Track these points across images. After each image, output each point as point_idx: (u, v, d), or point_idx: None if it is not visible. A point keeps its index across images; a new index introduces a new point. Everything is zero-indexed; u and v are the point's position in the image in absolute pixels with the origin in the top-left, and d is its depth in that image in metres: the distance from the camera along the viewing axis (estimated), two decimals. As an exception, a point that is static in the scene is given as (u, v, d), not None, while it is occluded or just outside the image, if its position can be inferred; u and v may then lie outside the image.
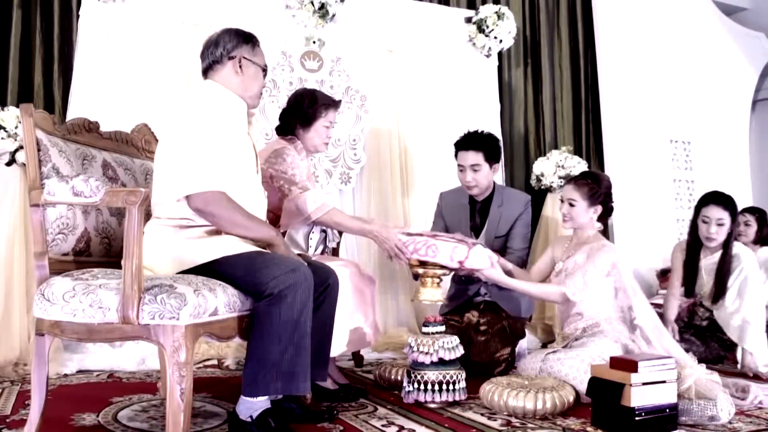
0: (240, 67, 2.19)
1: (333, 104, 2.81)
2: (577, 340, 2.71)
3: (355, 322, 2.69)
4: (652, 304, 3.20)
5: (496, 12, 4.40)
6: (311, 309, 2.02)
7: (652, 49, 5.03)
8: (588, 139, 5.09)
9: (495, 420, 2.28)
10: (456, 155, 3.22)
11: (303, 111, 2.74)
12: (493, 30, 4.39)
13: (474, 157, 3.13)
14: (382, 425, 2.22)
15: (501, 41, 4.48)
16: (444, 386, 2.42)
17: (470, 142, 3.16)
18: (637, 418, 2.12)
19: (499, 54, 4.64)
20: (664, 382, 2.18)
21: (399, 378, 2.70)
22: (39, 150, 1.87)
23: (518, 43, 4.84)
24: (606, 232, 4.78)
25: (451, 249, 2.51)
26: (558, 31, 5.10)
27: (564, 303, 2.79)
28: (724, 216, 3.31)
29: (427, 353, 2.43)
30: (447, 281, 3.41)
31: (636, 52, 4.98)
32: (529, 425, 2.22)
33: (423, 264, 2.59)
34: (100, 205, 1.79)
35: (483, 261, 2.62)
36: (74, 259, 1.98)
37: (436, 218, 3.43)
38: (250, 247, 2.06)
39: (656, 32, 5.07)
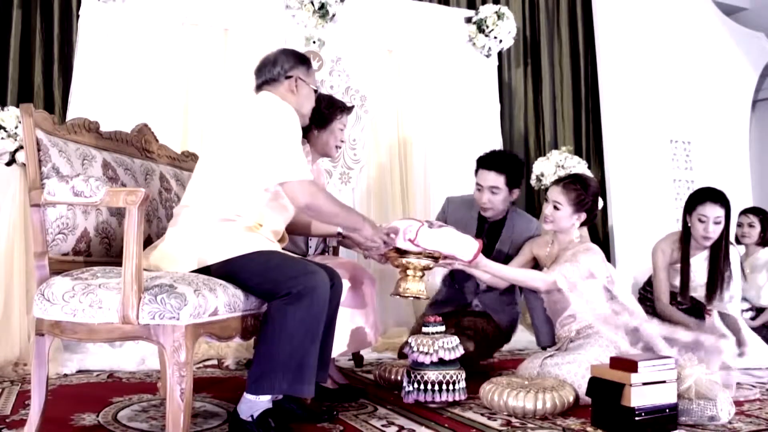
0: (296, 86, 2.29)
1: (347, 109, 2.83)
2: (572, 342, 2.71)
3: (356, 323, 2.69)
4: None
5: (496, 12, 4.41)
6: (326, 313, 2.04)
7: (652, 49, 5.03)
8: (588, 139, 5.09)
9: (495, 420, 2.28)
10: (476, 172, 3.09)
11: (320, 112, 2.72)
12: (492, 30, 4.40)
13: (495, 178, 3.01)
14: (382, 425, 2.22)
15: (501, 41, 4.50)
16: (444, 386, 2.42)
17: (493, 162, 3.03)
18: (637, 418, 2.11)
19: (499, 54, 4.65)
20: (663, 382, 2.18)
21: (399, 378, 2.70)
22: (39, 150, 1.87)
23: (518, 43, 4.85)
24: (606, 233, 4.80)
25: (405, 227, 2.44)
26: (558, 31, 5.11)
27: (546, 291, 2.76)
28: (722, 214, 3.21)
29: (427, 353, 2.43)
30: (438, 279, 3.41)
31: (636, 52, 4.97)
32: (529, 425, 2.22)
33: (401, 254, 2.50)
34: (100, 205, 1.79)
35: (441, 244, 2.46)
36: (74, 259, 1.97)
37: (439, 217, 3.34)
38: (265, 246, 2.08)
39: (656, 32, 5.06)
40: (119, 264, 1.76)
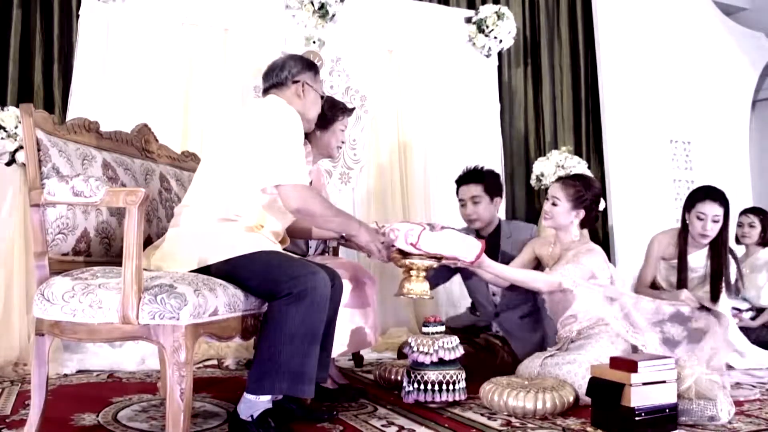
0: (303, 91, 2.32)
1: (349, 110, 2.88)
2: (573, 342, 2.71)
3: (356, 323, 2.69)
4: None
5: (496, 12, 4.42)
6: (326, 314, 2.05)
7: (653, 49, 5.04)
8: (588, 139, 5.10)
9: (495, 420, 2.28)
10: (457, 192, 3.24)
11: (322, 113, 2.74)
12: (492, 30, 4.41)
13: (474, 189, 3.17)
14: (382, 425, 2.22)
15: (501, 41, 4.51)
16: (444, 386, 2.42)
17: (470, 176, 3.21)
18: (637, 418, 2.11)
19: (499, 54, 4.66)
20: (663, 382, 2.18)
21: (399, 378, 2.70)
22: (39, 150, 1.87)
23: (518, 43, 4.86)
24: (606, 233, 4.80)
25: (406, 231, 2.44)
26: (558, 31, 5.12)
27: (549, 292, 2.76)
28: (720, 212, 3.21)
29: (427, 353, 2.43)
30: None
31: (636, 52, 4.98)
32: (529, 425, 2.22)
33: (404, 255, 2.49)
34: (100, 205, 1.80)
35: (444, 246, 2.46)
36: (74, 259, 1.98)
37: None
38: (265, 246, 2.09)
39: (656, 32, 5.07)
40: (119, 264, 1.77)
